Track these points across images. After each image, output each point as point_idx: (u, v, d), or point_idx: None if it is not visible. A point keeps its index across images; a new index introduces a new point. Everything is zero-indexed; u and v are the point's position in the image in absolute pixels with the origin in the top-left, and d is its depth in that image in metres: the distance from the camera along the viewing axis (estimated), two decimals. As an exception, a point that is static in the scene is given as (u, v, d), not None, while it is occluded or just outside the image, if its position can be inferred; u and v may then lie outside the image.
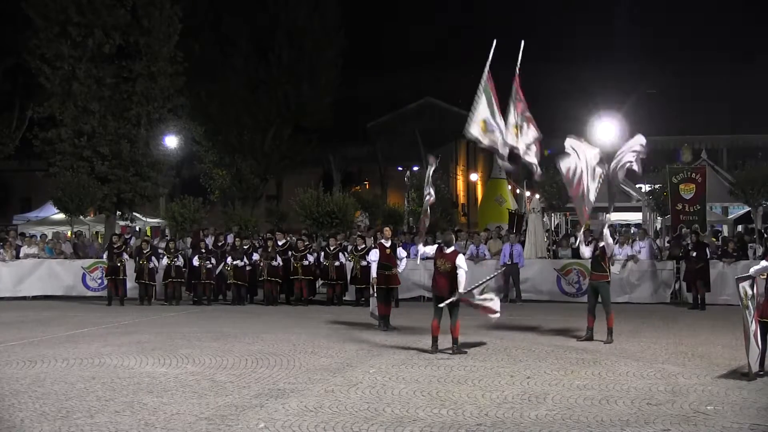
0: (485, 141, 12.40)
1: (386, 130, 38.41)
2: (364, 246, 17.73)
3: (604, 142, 17.07)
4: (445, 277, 11.27)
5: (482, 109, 12.31)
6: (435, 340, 11.22)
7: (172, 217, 22.21)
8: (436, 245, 12.04)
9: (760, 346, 9.37)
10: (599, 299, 12.33)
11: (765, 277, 9.62)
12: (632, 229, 26.45)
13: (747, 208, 24.54)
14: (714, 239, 21.25)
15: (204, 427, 7.19)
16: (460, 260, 11.30)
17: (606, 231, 12.49)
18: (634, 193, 26.77)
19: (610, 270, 12.62)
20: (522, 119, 12.92)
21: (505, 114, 12.58)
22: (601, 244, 12.40)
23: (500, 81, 12.47)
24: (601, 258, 12.40)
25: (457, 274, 11.16)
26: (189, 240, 21.00)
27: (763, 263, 9.79)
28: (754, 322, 9.35)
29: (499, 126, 12.41)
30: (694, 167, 22.93)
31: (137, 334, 13.23)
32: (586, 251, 12.73)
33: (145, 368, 10.02)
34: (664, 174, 21.65)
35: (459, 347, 11.11)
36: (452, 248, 11.52)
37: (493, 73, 12.38)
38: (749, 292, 9.46)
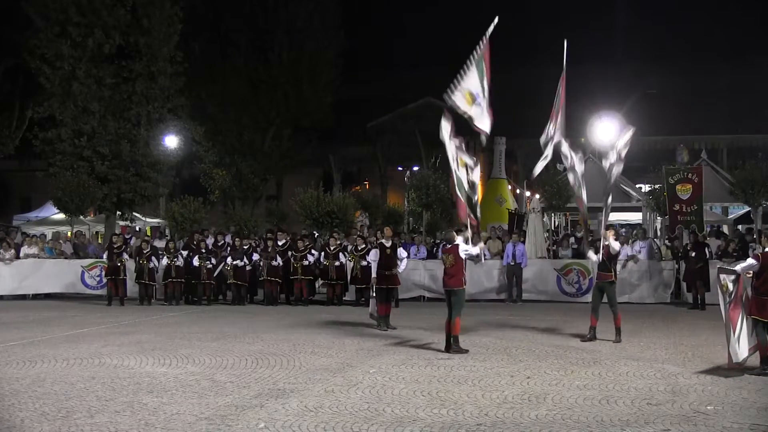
0: (468, 113, 11.87)
1: (386, 130, 38.37)
2: (364, 246, 17.73)
3: (604, 141, 17.05)
4: (450, 271, 11.50)
5: (472, 81, 11.72)
6: (448, 338, 11.25)
7: (172, 217, 22.20)
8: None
9: (736, 337, 9.52)
10: (604, 299, 12.36)
11: (750, 275, 9.67)
12: (625, 230, 26.44)
13: (747, 208, 24.54)
14: (715, 238, 21.24)
15: (204, 427, 7.19)
16: (462, 247, 11.62)
17: (604, 231, 12.52)
18: (634, 193, 26.79)
19: (616, 271, 12.67)
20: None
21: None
22: (605, 243, 12.39)
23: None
24: (606, 258, 12.39)
25: (464, 262, 11.56)
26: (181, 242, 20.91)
27: (750, 261, 9.85)
28: (731, 315, 9.53)
29: (483, 104, 11.88)
30: (691, 167, 22.91)
31: (137, 334, 13.23)
32: (593, 257, 12.83)
33: (145, 368, 10.02)
34: (662, 174, 21.64)
35: (459, 346, 11.10)
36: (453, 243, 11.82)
37: (492, 71, 12.23)
38: (731, 287, 9.55)
